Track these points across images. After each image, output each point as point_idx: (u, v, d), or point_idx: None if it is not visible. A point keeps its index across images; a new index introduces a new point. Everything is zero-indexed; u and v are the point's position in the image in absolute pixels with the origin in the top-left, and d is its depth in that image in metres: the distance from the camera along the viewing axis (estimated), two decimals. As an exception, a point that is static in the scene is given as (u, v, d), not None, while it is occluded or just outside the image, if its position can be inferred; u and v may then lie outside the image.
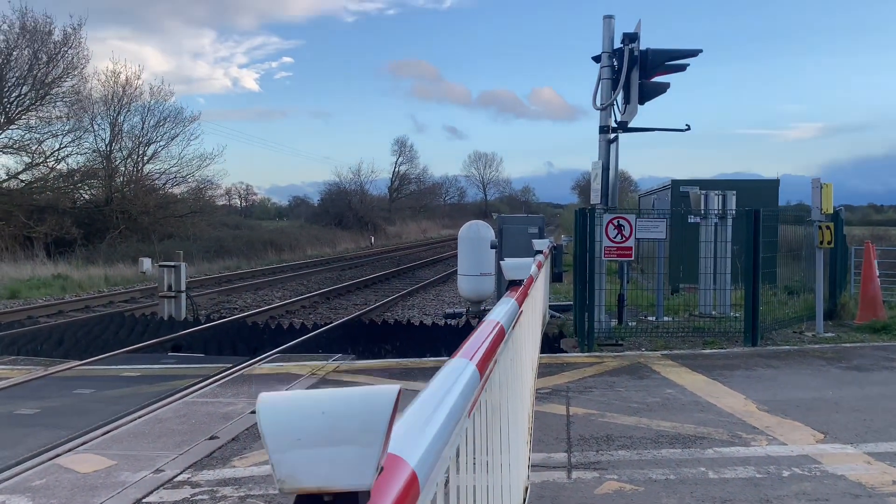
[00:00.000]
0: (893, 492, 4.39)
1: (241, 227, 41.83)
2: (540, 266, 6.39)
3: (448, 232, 59.56)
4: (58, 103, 30.35)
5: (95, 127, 32.68)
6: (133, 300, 17.46)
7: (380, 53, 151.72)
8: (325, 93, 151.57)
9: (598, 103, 10.52)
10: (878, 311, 11.31)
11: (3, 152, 29.77)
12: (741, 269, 10.12)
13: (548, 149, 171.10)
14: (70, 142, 31.38)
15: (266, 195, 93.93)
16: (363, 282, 21.85)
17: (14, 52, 28.90)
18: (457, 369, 1.55)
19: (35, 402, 7.18)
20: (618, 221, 9.67)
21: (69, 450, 5.29)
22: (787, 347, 9.41)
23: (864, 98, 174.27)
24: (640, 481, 4.57)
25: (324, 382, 7.49)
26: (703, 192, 12.37)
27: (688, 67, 10.27)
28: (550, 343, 9.73)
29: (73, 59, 30.32)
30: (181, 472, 4.80)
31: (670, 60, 10.28)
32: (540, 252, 8.05)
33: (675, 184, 15.97)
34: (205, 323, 12.68)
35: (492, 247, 13.22)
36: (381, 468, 0.82)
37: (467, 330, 10.45)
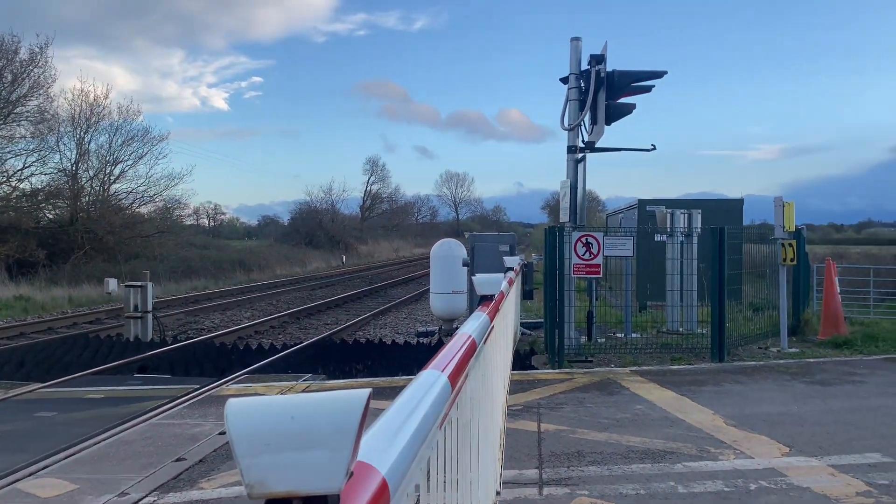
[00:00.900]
0: (857, 503, 4.48)
1: (209, 247, 41.30)
2: (511, 282, 6.43)
3: (420, 251, 59.60)
4: (22, 122, 29.87)
5: (62, 146, 32.23)
6: (98, 321, 17.10)
7: (350, 74, 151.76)
8: (295, 113, 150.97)
9: (566, 124, 10.67)
10: (840, 326, 11.58)
11: (-36, 171, 29.11)
12: (707, 285, 10.29)
13: (518, 169, 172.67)
14: (34, 161, 30.86)
15: (234, 214, 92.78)
16: (334, 301, 21.70)
17: (-22, 71, 28.41)
18: (428, 381, 1.56)
19: (-6, 425, 6.98)
20: (586, 239, 9.80)
21: (30, 474, 5.14)
22: (753, 363, 9.57)
23: (824, 120, 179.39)
24: (610, 497, 4.60)
25: (294, 402, 7.39)
26: (670, 210, 12.58)
27: (653, 89, 10.48)
28: (522, 360, 9.76)
29: (39, 77, 29.93)
30: (146, 496, 4.70)
31: (636, 82, 10.48)
32: (511, 269, 8.09)
33: (642, 203, 16.21)
34: (172, 344, 12.46)
35: (464, 265, 13.27)
36: (352, 473, 0.82)
37: (440, 348, 10.41)
